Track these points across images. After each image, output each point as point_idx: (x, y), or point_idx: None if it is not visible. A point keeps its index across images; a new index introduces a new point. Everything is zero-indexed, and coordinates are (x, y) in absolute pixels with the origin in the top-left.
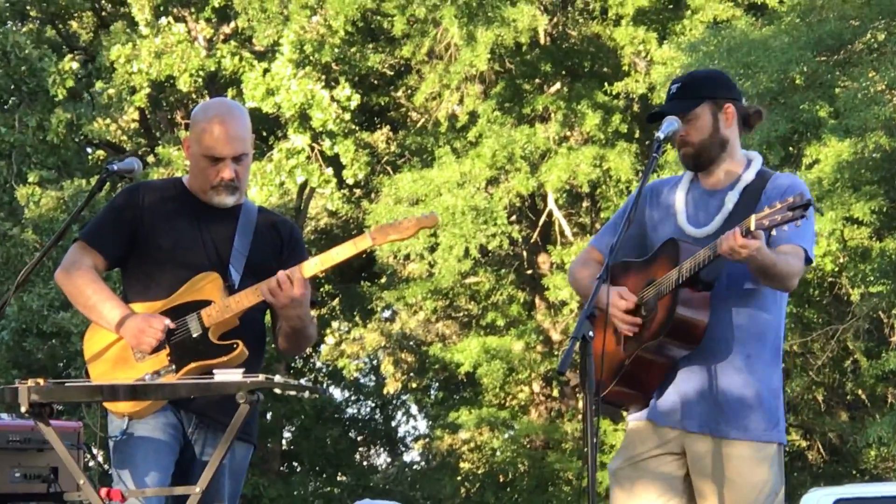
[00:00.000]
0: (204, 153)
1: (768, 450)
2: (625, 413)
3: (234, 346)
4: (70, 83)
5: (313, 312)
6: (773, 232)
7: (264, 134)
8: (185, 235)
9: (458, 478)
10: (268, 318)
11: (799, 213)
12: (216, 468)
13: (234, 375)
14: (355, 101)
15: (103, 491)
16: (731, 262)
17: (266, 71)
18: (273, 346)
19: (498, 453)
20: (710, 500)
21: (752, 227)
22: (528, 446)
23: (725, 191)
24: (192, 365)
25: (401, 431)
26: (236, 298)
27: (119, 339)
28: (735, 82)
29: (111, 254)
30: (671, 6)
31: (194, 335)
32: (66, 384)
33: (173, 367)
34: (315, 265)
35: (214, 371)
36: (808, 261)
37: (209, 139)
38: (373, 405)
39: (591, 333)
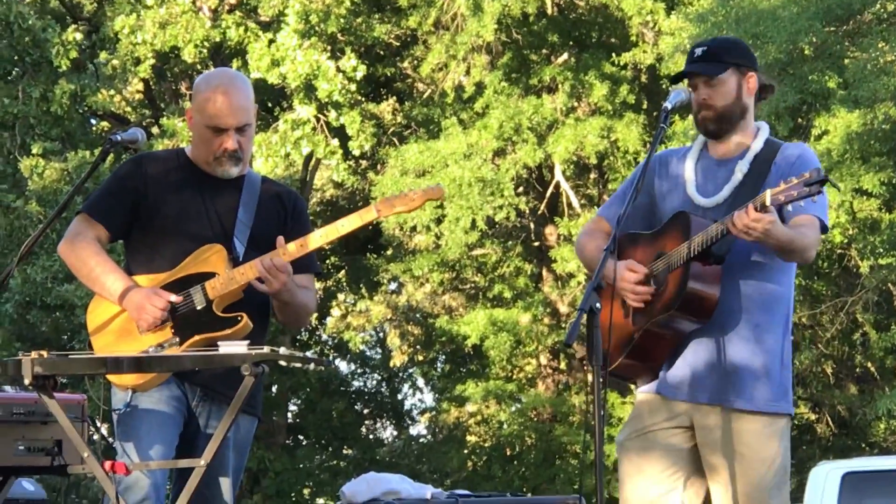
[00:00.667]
0: (207, 124)
1: (778, 424)
2: (633, 386)
3: (239, 318)
4: (74, 54)
5: (318, 284)
6: (789, 207)
7: (269, 105)
8: (188, 207)
9: (465, 451)
10: None
11: (816, 188)
12: (221, 441)
13: (240, 348)
14: (361, 71)
15: (107, 464)
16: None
17: (271, 41)
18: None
19: (505, 426)
20: (720, 473)
21: (768, 203)
22: (536, 419)
23: (735, 160)
24: (197, 337)
25: (407, 404)
26: (241, 270)
27: (123, 311)
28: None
29: (114, 226)
30: None
31: (198, 307)
32: (70, 356)
33: (177, 339)
34: (320, 237)
35: (219, 343)
36: (824, 229)
37: (212, 110)
38: (379, 378)
39: (598, 305)
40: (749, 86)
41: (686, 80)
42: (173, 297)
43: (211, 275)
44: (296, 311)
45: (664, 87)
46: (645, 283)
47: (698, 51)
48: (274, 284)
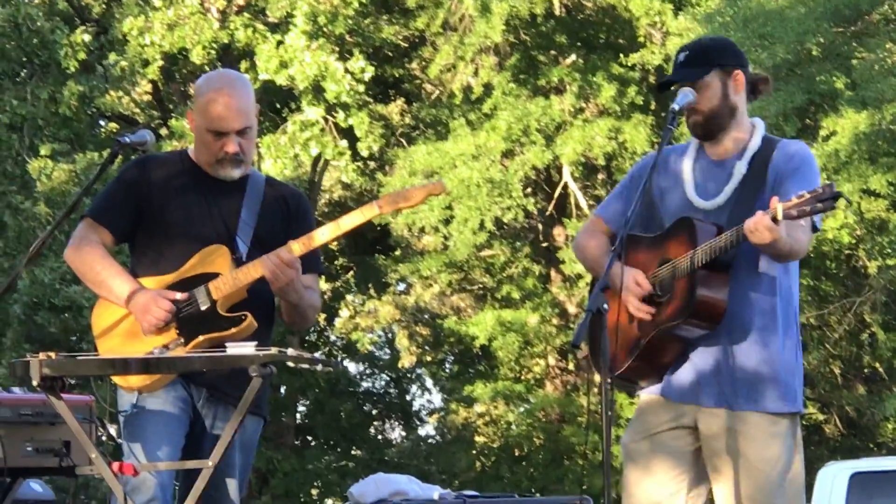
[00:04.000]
0: (208, 127)
1: (781, 425)
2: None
3: (243, 317)
4: (82, 55)
5: (324, 285)
6: (794, 212)
7: (278, 106)
8: (193, 209)
9: (473, 451)
10: None
11: (829, 204)
12: (228, 443)
13: (247, 349)
14: (369, 72)
15: (115, 465)
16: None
17: (279, 43)
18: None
19: (513, 427)
20: (723, 475)
21: (780, 217)
22: (544, 420)
23: (734, 160)
24: (202, 338)
25: (415, 405)
26: (244, 270)
27: (128, 314)
28: (740, 49)
29: (119, 229)
30: None
31: (203, 308)
32: (78, 358)
33: (182, 340)
34: (325, 234)
35: (227, 344)
36: (815, 229)
37: (213, 113)
38: (387, 379)
39: (605, 306)
40: (736, 84)
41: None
42: (178, 296)
43: (215, 275)
44: (303, 312)
45: (672, 88)
46: (649, 299)
47: (681, 56)
48: (282, 279)
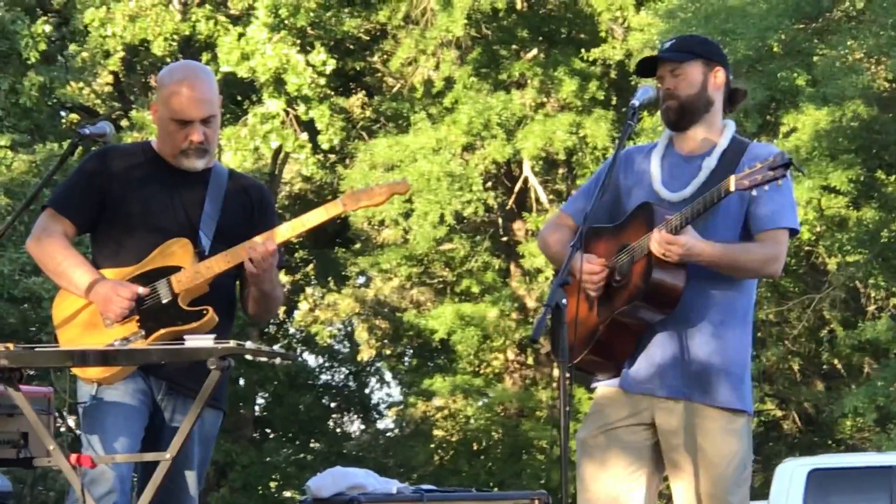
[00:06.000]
0: (172, 117)
1: (738, 421)
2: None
3: (204, 312)
4: (43, 46)
5: (284, 278)
6: (754, 192)
7: (239, 98)
8: (155, 200)
9: (432, 445)
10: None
11: (780, 171)
12: (186, 435)
13: (206, 342)
14: (331, 65)
15: (73, 457)
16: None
17: (241, 35)
18: (244, 312)
19: (472, 421)
20: (681, 469)
21: (732, 189)
22: (503, 414)
23: (702, 156)
24: (162, 331)
25: (374, 398)
26: (207, 264)
27: (88, 304)
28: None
29: (80, 220)
30: None
31: (164, 301)
32: (36, 349)
33: (143, 332)
34: (286, 231)
35: (185, 337)
36: (794, 233)
37: (177, 102)
38: (346, 372)
39: (564, 301)
40: (716, 80)
41: (655, 79)
42: (140, 290)
43: (177, 268)
44: (269, 303)
45: (633, 83)
46: (608, 286)
47: (667, 44)
48: (263, 265)
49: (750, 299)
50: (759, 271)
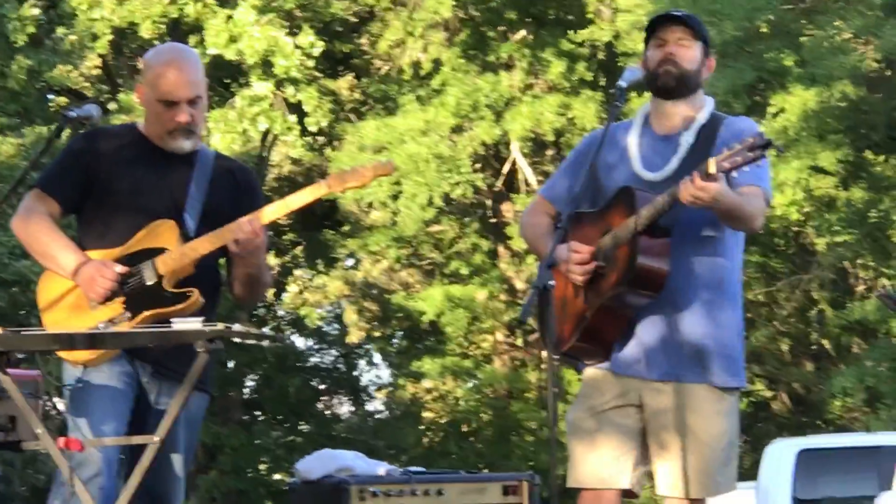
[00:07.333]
0: (159, 98)
1: (727, 401)
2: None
3: (189, 294)
4: (31, 29)
5: (273, 260)
6: (735, 174)
7: (227, 81)
8: (141, 182)
9: (421, 427)
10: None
11: (759, 153)
12: (174, 418)
13: (194, 324)
14: (319, 48)
15: (61, 440)
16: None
17: (229, 17)
18: (230, 294)
19: (461, 402)
20: (668, 450)
21: (713, 170)
22: (492, 396)
23: (680, 133)
24: (147, 313)
25: (364, 380)
26: (192, 246)
27: (75, 286)
28: None
29: (67, 201)
30: None
31: (148, 283)
32: (23, 332)
33: (128, 314)
34: (273, 212)
35: (173, 319)
36: (768, 201)
37: (164, 84)
38: (336, 354)
39: (551, 283)
40: (707, 67)
41: (654, 39)
42: (119, 268)
43: (162, 250)
44: (256, 286)
45: (621, 64)
46: (588, 261)
47: (678, 12)
48: (248, 246)
49: (736, 274)
50: (752, 224)
